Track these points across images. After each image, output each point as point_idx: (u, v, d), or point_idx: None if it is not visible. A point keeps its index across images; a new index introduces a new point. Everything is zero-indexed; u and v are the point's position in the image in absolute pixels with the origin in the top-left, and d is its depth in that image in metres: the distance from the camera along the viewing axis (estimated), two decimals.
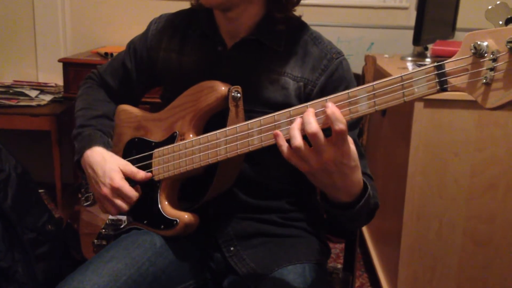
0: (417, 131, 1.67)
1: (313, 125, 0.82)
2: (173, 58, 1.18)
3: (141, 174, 1.12)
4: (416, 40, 2.03)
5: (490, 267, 1.77)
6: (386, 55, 2.47)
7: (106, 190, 1.10)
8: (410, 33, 2.04)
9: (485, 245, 1.75)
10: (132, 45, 1.27)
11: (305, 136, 0.84)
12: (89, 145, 1.16)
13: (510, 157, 1.67)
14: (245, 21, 1.09)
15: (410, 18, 2.85)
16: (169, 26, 1.20)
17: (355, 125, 1.11)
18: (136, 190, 1.12)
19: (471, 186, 1.70)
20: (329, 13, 2.92)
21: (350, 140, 0.84)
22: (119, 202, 1.10)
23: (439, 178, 1.71)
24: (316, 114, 0.85)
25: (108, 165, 1.11)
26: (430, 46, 2.22)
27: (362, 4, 2.92)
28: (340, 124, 0.80)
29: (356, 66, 2.64)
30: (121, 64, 1.28)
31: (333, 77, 1.08)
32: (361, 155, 1.07)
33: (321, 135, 0.82)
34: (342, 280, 1.33)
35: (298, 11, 1.14)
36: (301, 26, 1.13)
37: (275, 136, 0.86)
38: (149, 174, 1.12)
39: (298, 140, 0.83)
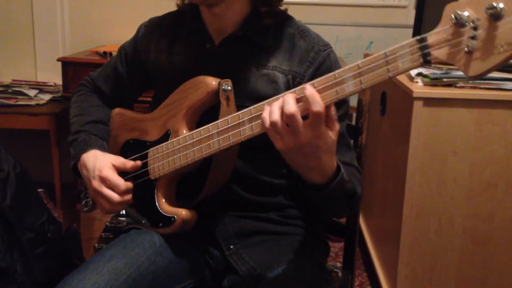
0: (416, 130, 1.67)
1: (291, 106, 0.83)
2: (163, 58, 1.18)
3: (131, 163, 1.12)
4: None
5: (489, 266, 1.77)
6: None
7: (95, 183, 1.09)
8: (409, 32, 2.04)
9: (484, 244, 1.75)
10: (123, 49, 1.28)
11: None
12: (85, 149, 1.16)
13: (509, 156, 1.67)
14: (231, 16, 1.10)
15: (409, 16, 2.85)
16: (158, 28, 1.22)
17: (343, 116, 1.12)
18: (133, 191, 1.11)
19: (470, 184, 1.70)
20: (328, 12, 2.92)
21: (335, 126, 0.86)
22: (108, 192, 1.07)
23: (438, 176, 1.71)
24: (299, 100, 0.86)
25: (99, 160, 1.12)
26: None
27: (361, 2, 2.92)
28: (318, 106, 0.82)
29: None
30: (113, 69, 1.29)
31: (321, 69, 1.09)
32: (349, 147, 1.08)
33: (298, 117, 0.83)
34: (341, 279, 1.33)
35: (292, 9, 1.15)
36: (287, 20, 1.14)
37: (264, 109, 0.88)
38: (138, 162, 1.12)
39: (275, 116, 0.84)
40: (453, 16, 0.75)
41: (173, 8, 1.24)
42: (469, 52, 0.75)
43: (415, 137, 1.68)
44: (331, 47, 1.12)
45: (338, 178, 0.94)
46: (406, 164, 1.70)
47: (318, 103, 0.82)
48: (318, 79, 0.86)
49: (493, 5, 0.71)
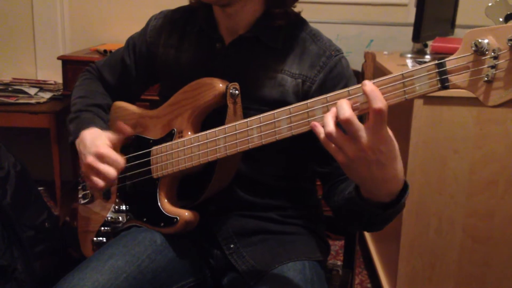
0: (416, 128, 1.67)
1: (346, 111, 0.77)
2: (172, 54, 1.17)
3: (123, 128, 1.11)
4: (416, 37, 2.03)
5: (489, 264, 1.77)
6: (386, 52, 2.47)
7: (90, 158, 1.06)
8: (410, 30, 2.04)
9: (484, 242, 1.75)
10: (131, 41, 1.26)
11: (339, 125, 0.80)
12: (88, 126, 1.14)
13: (509, 154, 1.67)
14: (244, 17, 1.09)
15: (410, 15, 2.85)
16: (168, 23, 1.20)
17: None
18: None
19: (470, 183, 1.70)
20: (328, 10, 2.92)
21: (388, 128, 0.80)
22: (105, 167, 1.05)
23: (439, 175, 1.71)
24: (353, 98, 0.81)
25: (97, 137, 1.10)
26: (429, 43, 2.22)
27: (362, 1, 2.92)
28: (379, 102, 0.75)
29: (356, 63, 2.63)
30: (120, 60, 1.27)
31: (332, 74, 1.07)
32: None
33: (355, 120, 0.78)
34: (341, 277, 1.33)
35: (297, 7, 1.13)
36: (300, 23, 1.13)
37: (313, 127, 0.82)
38: (126, 127, 1.12)
39: (330, 127, 0.79)
40: (473, 43, 0.74)
41: (174, 5, 1.23)
42: (489, 82, 0.74)
43: (415, 135, 1.68)
44: (342, 53, 1.10)
45: (407, 193, 0.87)
46: (407, 163, 1.70)
47: (379, 100, 0.75)
48: (331, 94, 0.83)
49: None
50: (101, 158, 1.06)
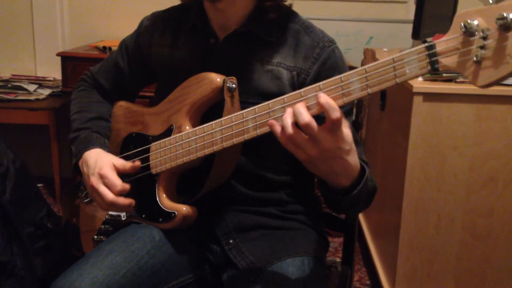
0: (416, 125, 1.67)
1: (305, 116, 0.82)
2: (166, 52, 1.18)
3: (129, 164, 1.11)
4: (415, 34, 2.02)
5: (488, 261, 1.77)
6: (385, 49, 2.47)
7: (93, 179, 1.08)
8: (409, 27, 2.04)
9: (484, 239, 1.75)
10: (124, 44, 1.28)
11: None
12: (87, 147, 1.16)
13: (508, 151, 1.67)
14: (235, 12, 1.09)
15: (409, 11, 2.85)
16: (161, 22, 1.21)
17: (350, 111, 1.11)
18: (132, 191, 1.11)
19: (469, 180, 1.70)
20: (327, 6, 2.92)
21: (344, 123, 0.84)
22: (103, 189, 1.07)
23: (438, 172, 1.71)
24: (309, 100, 0.85)
25: (100, 158, 1.11)
26: (429, 40, 2.22)
27: None
28: (336, 112, 0.81)
29: (355, 59, 2.64)
30: (114, 64, 1.28)
31: (326, 65, 1.08)
32: (356, 141, 1.07)
33: (314, 124, 0.82)
34: (340, 274, 1.34)
35: (295, 4, 1.14)
36: (291, 16, 1.14)
37: (270, 126, 0.87)
38: (137, 163, 1.11)
39: (289, 129, 0.83)
40: (462, 24, 0.74)
41: (173, 3, 1.24)
42: (478, 62, 0.74)
43: (414, 132, 1.68)
44: (335, 43, 1.11)
45: (364, 178, 0.94)
46: (406, 159, 1.70)
47: (335, 110, 0.81)
48: (324, 82, 0.85)
49: (503, 15, 0.70)
50: (102, 179, 1.08)
